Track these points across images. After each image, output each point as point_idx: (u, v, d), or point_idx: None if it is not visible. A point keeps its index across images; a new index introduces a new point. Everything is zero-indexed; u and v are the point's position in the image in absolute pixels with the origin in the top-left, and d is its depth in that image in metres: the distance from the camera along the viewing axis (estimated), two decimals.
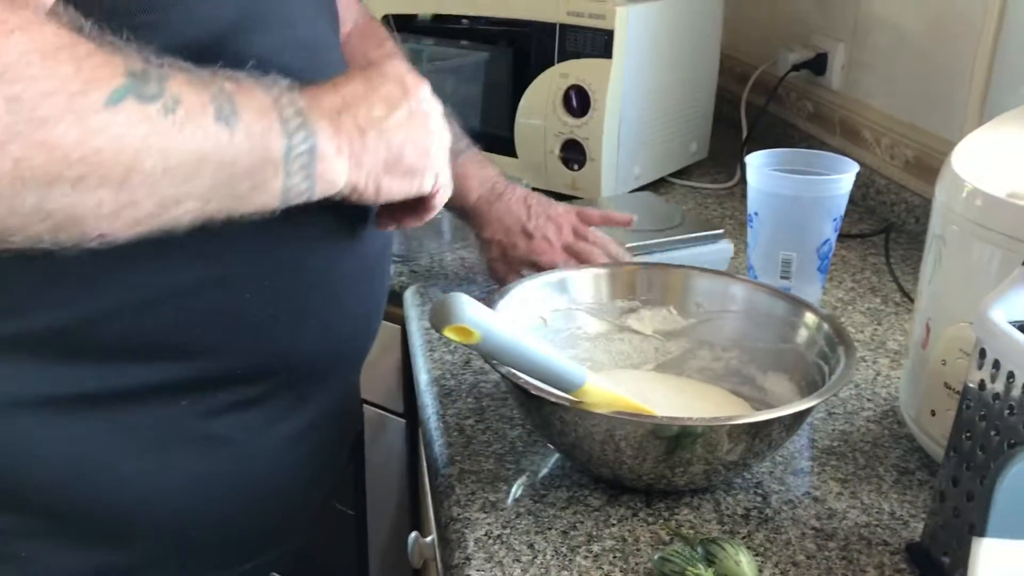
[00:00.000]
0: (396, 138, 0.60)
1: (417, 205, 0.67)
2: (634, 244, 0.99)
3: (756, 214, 0.91)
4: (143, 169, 0.47)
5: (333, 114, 0.57)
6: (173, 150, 0.48)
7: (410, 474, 1.17)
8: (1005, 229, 0.62)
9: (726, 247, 1.02)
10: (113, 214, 0.47)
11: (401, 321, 1.03)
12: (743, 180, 1.25)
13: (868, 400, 0.82)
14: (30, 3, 0.46)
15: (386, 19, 1.35)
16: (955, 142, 0.86)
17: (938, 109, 1.15)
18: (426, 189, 0.64)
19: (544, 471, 0.72)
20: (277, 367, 0.66)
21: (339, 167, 0.57)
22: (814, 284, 0.91)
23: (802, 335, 0.76)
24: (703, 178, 1.40)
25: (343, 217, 0.66)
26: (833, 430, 0.78)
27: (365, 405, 1.17)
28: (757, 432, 0.65)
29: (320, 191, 0.56)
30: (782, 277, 0.90)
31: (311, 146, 0.55)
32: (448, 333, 0.60)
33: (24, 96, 0.43)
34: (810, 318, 0.76)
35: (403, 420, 1.14)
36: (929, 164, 1.16)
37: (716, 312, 0.81)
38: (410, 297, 1.02)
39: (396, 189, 0.62)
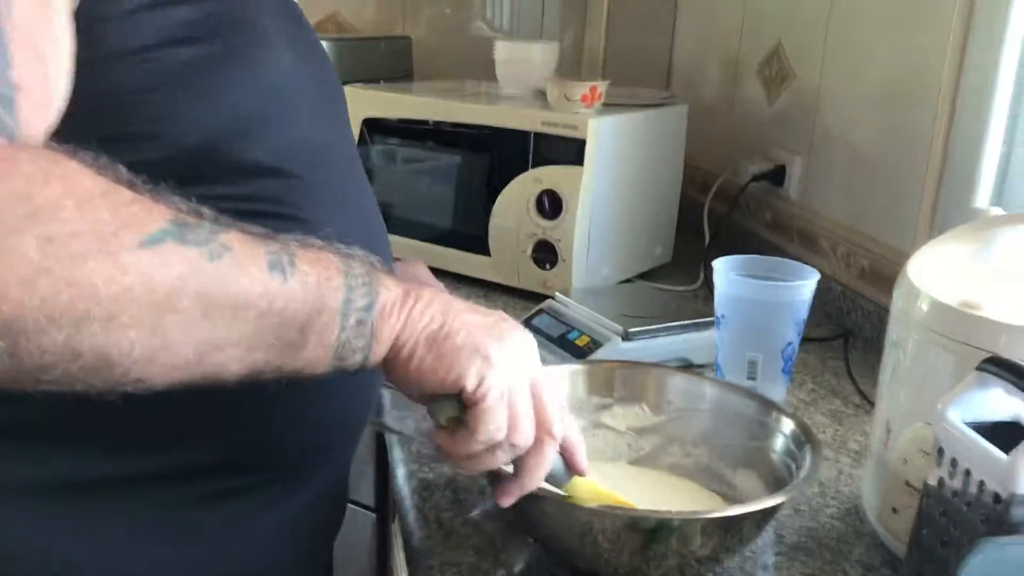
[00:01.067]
0: (455, 319, 0.55)
1: (462, 432, 0.58)
2: (638, 329, 1.04)
3: (723, 316, 0.95)
4: (177, 309, 0.45)
5: (413, 286, 0.55)
6: (212, 293, 0.46)
7: (379, 571, 1.16)
8: (958, 336, 0.66)
9: None
10: (147, 358, 0.46)
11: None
12: (706, 283, 1.30)
13: (832, 498, 0.85)
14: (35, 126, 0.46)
15: (365, 122, 1.41)
16: (908, 252, 0.92)
17: (891, 220, 1.22)
18: (466, 383, 0.55)
19: (521, 565, 0.73)
20: (266, 459, 0.66)
21: (394, 322, 0.54)
22: (779, 385, 0.95)
23: (770, 433, 0.80)
24: (667, 280, 1.45)
25: None
26: (799, 526, 0.80)
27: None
28: (730, 527, 0.67)
29: (376, 354, 0.53)
30: (748, 377, 0.94)
31: (371, 301, 0.52)
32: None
33: (56, 236, 0.42)
34: (777, 417, 0.80)
35: (373, 514, 1.14)
36: (883, 272, 1.22)
37: (687, 410, 0.84)
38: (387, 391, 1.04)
39: (428, 365, 0.55)
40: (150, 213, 0.46)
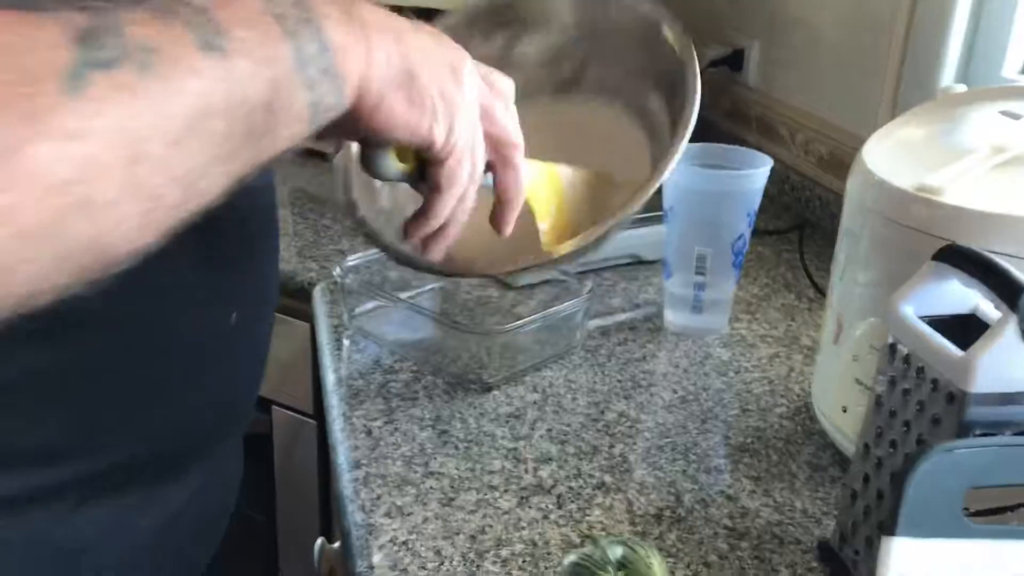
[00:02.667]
0: (414, 53, 0.48)
1: (433, 195, 0.55)
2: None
3: (671, 209, 0.90)
4: (149, 154, 0.36)
5: (346, 5, 0.45)
6: (170, 117, 0.36)
7: (321, 478, 1.13)
8: (914, 223, 0.61)
9: None
10: (140, 225, 0.37)
11: (310, 319, 1.00)
12: None
13: (782, 396, 0.82)
14: None
15: None
16: (868, 137, 0.87)
17: (852, 105, 1.16)
18: (436, 136, 0.50)
19: (454, 473, 0.70)
20: (131, 461, 0.57)
21: (356, 57, 0.45)
22: (729, 280, 0.90)
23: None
24: None
25: (207, 272, 0.55)
26: (747, 427, 0.77)
27: (275, 407, 1.13)
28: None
29: (348, 95, 0.45)
30: (697, 272, 0.89)
31: (321, 42, 0.43)
32: None
33: None
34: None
35: (314, 422, 1.10)
36: (843, 160, 1.17)
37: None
38: (319, 294, 0.99)
39: (399, 111, 0.48)
40: (43, 38, 0.34)
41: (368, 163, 0.54)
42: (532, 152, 0.62)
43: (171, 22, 0.37)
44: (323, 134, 0.47)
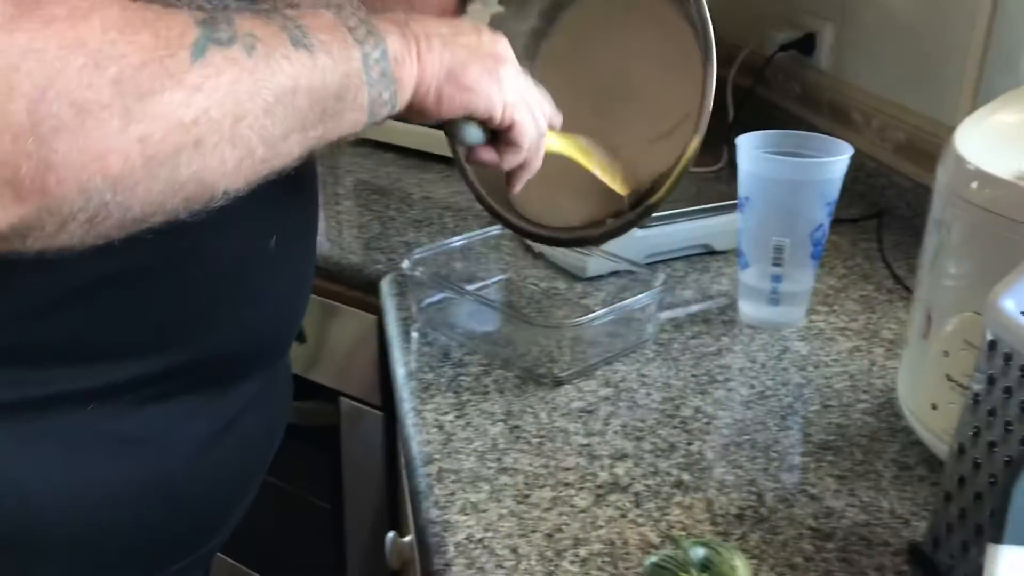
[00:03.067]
0: (460, 52, 0.59)
1: (507, 149, 0.65)
2: (658, 214, 0.95)
3: (747, 199, 0.87)
4: (249, 113, 0.46)
5: (399, 22, 0.56)
6: (269, 87, 0.47)
7: (388, 470, 1.13)
8: (1013, 214, 0.59)
9: None
10: (235, 169, 0.47)
11: (378, 311, 0.99)
12: (730, 163, 1.22)
13: (864, 391, 0.79)
14: None
15: None
16: (949, 124, 0.83)
17: (930, 90, 1.12)
18: (492, 109, 0.61)
19: (528, 469, 0.69)
20: (187, 366, 0.61)
21: (410, 67, 0.56)
22: (807, 271, 0.88)
23: None
24: None
25: (255, 198, 0.60)
26: (828, 423, 0.75)
27: (341, 397, 1.14)
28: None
29: (401, 98, 0.56)
30: (774, 264, 0.87)
31: (383, 50, 0.54)
32: None
33: (124, 75, 0.42)
34: None
35: (381, 413, 1.10)
36: (921, 147, 1.13)
37: None
38: (386, 287, 0.98)
39: (458, 100, 0.59)
40: (177, 21, 0.45)
41: (452, 135, 0.64)
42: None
43: (270, 22, 0.49)
44: (410, 119, 0.59)
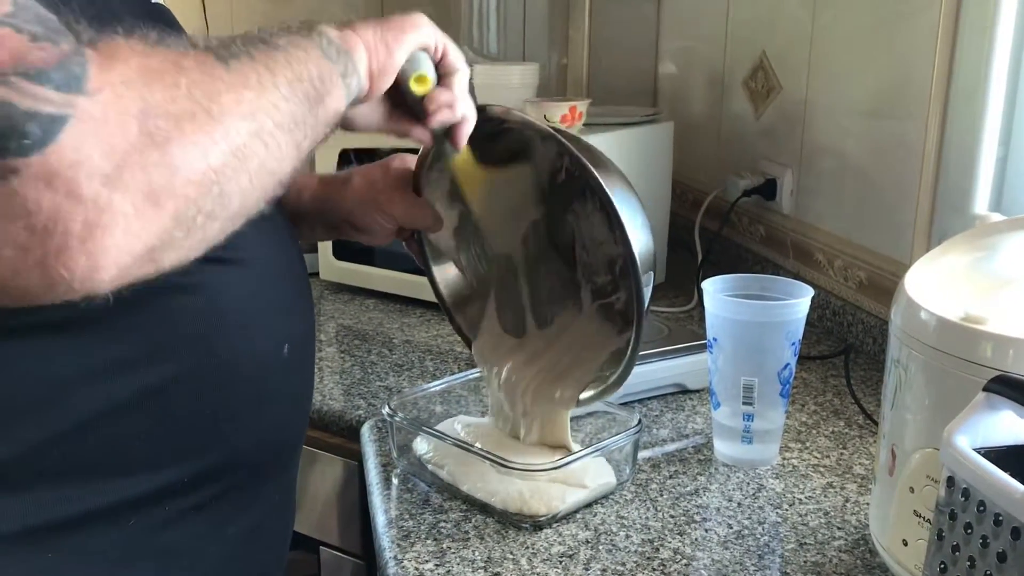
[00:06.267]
0: (389, 26, 0.68)
1: (447, 81, 0.72)
2: None
3: (715, 339, 0.90)
4: (277, 106, 0.55)
5: (322, 22, 0.65)
6: (281, 78, 0.55)
7: None
8: (962, 353, 0.62)
9: None
10: (286, 156, 0.55)
11: (359, 457, 1.00)
12: (700, 304, 1.26)
13: (839, 528, 0.80)
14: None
15: (342, 154, 1.37)
16: (906, 263, 0.88)
17: (887, 231, 1.17)
18: (430, 39, 0.70)
19: None
20: (221, 470, 0.67)
21: (354, 38, 0.64)
22: (777, 409, 0.90)
23: None
24: (661, 302, 1.41)
25: (268, 312, 0.69)
26: (805, 562, 0.75)
27: (323, 548, 1.13)
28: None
29: (361, 66, 0.64)
30: (745, 403, 0.89)
31: (328, 36, 0.62)
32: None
33: (191, 85, 0.49)
34: None
35: (362, 562, 1.09)
36: (882, 285, 1.17)
37: None
38: (367, 432, 1.00)
39: (403, 39, 0.67)
40: (193, 54, 0.52)
41: (407, 78, 0.71)
42: None
43: (250, 43, 0.57)
44: (372, 91, 0.66)
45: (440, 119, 0.72)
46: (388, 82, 0.68)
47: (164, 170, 0.46)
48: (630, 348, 0.80)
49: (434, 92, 0.72)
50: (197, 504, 0.65)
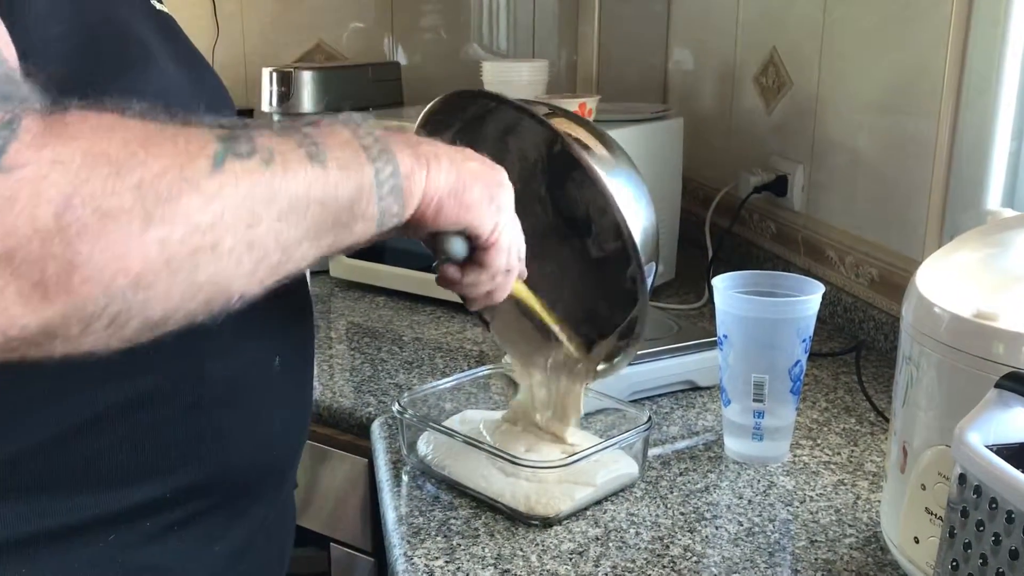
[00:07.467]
0: (466, 173, 0.63)
1: (476, 269, 0.68)
2: (642, 352, 0.99)
3: (725, 336, 0.90)
4: (264, 220, 0.49)
5: (413, 142, 0.61)
6: (283, 196, 0.50)
7: None
8: (974, 350, 0.61)
9: None
10: (251, 272, 0.49)
11: (368, 454, 1.00)
12: (711, 300, 1.26)
13: (850, 526, 0.80)
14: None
15: None
16: (918, 259, 0.87)
17: (899, 227, 1.17)
18: (483, 227, 0.65)
19: None
20: (206, 487, 0.65)
21: (419, 183, 0.60)
22: (788, 406, 0.90)
23: None
24: (671, 299, 1.41)
25: (257, 322, 0.64)
26: (816, 559, 0.75)
27: (332, 544, 1.13)
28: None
29: (408, 211, 0.60)
30: (755, 400, 0.89)
31: (395, 167, 0.58)
32: None
33: (144, 180, 0.44)
34: None
35: (372, 559, 1.10)
36: (894, 281, 1.17)
37: None
38: (377, 429, 1.00)
39: (455, 215, 0.63)
40: (198, 137, 0.48)
41: (436, 247, 0.67)
42: None
43: (288, 139, 0.53)
44: (403, 233, 0.63)
45: (448, 279, 0.70)
46: (421, 235, 0.65)
47: (63, 264, 0.42)
48: (637, 307, 0.80)
49: (450, 267, 0.69)
50: (180, 521, 0.64)
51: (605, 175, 0.75)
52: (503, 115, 0.85)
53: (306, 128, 0.55)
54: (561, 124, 0.77)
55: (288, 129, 0.54)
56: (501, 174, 0.67)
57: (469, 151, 0.66)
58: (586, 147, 0.75)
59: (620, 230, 0.78)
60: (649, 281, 0.78)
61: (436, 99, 0.82)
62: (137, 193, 0.44)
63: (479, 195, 0.64)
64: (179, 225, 0.45)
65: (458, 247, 0.67)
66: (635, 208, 0.76)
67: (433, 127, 0.83)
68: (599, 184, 0.74)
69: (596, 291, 0.86)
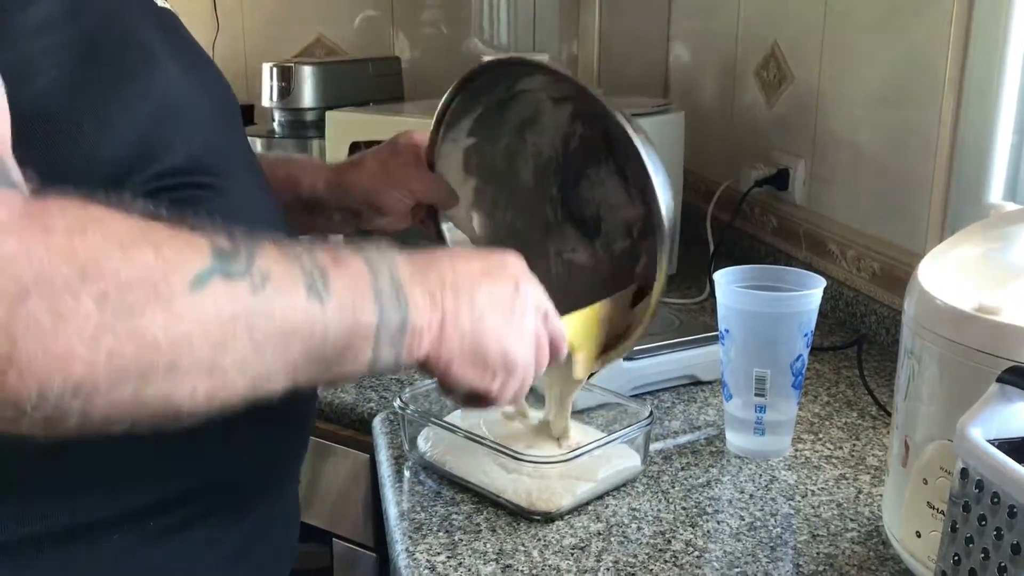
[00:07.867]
0: (487, 336, 0.61)
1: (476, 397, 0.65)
2: (641, 346, 0.99)
3: (727, 331, 0.90)
4: (232, 350, 0.46)
5: (436, 287, 0.57)
6: (262, 329, 0.47)
7: None
8: (976, 344, 0.61)
9: None
10: (207, 398, 0.47)
11: (370, 450, 1.00)
12: (712, 295, 1.26)
13: (851, 520, 0.80)
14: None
15: (353, 147, 1.37)
16: (920, 253, 0.87)
17: (901, 221, 1.17)
18: (492, 389, 0.63)
19: None
20: (209, 488, 0.64)
21: (427, 341, 0.57)
22: (790, 401, 0.90)
23: None
24: (673, 293, 1.41)
25: None
26: (818, 554, 0.75)
27: (334, 539, 1.13)
28: None
29: (407, 364, 0.57)
30: (757, 394, 0.89)
31: (403, 319, 0.55)
32: None
33: (109, 291, 0.42)
34: None
35: (374, 554, 1.10)
36: (896, 275, 1.17)
37: None
38: (379, 424, 1.00)
39: (465, 377, 0.61)
40: (190, 247, 0.46)
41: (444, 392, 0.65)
42: None
43: (292, 263, 0.50)
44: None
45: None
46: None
47: (1, 357, 0.40)
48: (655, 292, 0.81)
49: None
50: (183, 522, 0.63)
51: (653, 156, 0.75)
52: (526, 105, 0.85)
53: (321, 254, 0.52)
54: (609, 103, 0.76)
55: (301, 250, 0.51)
56: (520, 298, 0.64)
57: (510, 261, 0.64)
58: (639, 128, 0.75)
59: (634, 224, 0.78)
60: (666, 267, 0.79)
61: (475, 66, 0.80)
62: (99, 301, 0.42)
63: (494, 356, 0.61)
64: (135, 341, 0.43)
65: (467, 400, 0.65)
66: (668, 196, 0.76)
67: (460, 104, 0.82)
68: (647, 168, 0.74)
69: (601, 292, 0.85)
